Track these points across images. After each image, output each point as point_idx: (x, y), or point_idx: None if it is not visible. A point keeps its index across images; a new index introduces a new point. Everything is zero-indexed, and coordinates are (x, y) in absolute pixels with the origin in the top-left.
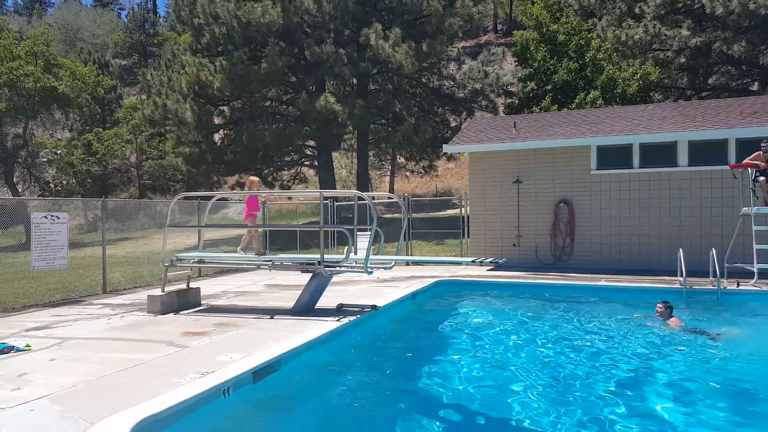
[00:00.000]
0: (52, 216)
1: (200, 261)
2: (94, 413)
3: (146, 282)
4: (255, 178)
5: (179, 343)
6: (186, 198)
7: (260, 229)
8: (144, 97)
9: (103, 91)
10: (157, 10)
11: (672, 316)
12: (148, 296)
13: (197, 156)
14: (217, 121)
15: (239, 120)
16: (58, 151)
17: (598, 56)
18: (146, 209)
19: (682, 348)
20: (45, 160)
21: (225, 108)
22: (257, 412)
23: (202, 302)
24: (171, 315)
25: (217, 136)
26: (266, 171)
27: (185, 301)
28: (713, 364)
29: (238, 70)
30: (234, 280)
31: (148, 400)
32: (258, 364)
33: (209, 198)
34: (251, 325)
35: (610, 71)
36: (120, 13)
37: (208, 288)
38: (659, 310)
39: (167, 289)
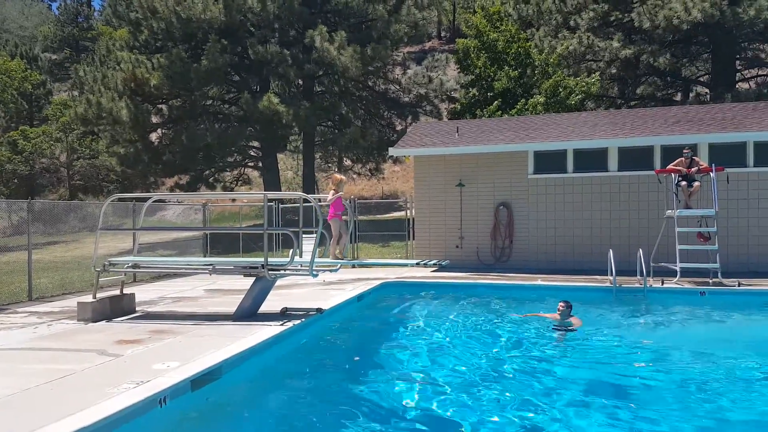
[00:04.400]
0: None
1: (135, 266)
2: (18, 429)
3: (77, 288)
4: (340, 176)
5: (112, 352)
6: (120, 199)
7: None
8: (76, 93)
9: (31, 87)
10: (92, 2)
11: (572, 315)
12: (78, 303)
13: (133, 156)
14: (154, 119)
15: (178, 119)
16: None
17: (549, 60)
18: (77, 211)
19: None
20: None
21: (163, 106)
22: (197, 422)
23: (137, 309)
24: (103, 323)
25: (154, 136)
26: (207, 172)
27: (119, 308)
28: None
29: (177, 68)
30: (172, 286)
31: (78, 412)
32: (197, 371)
33: (145, 200)
34: (190, 331)
35: (558, 77)
36: (51, 5)
37: (144, 294)
38: (561, 309)
39: (99, 295)
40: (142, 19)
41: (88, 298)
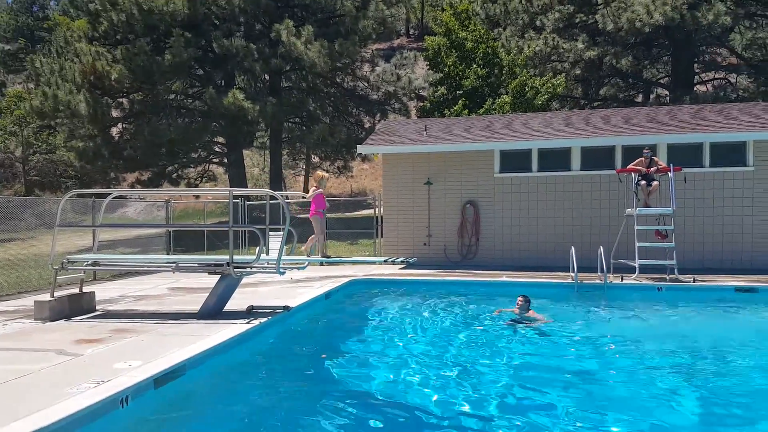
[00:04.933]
0: None
1: (95, 263)
2: None
3: (34, 287)
4: (323, 173)
5: (71, 351)
6: (79, 195)
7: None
8: (32, 85)
9: None
10: None
11: (530, 309)
12: (35, 302)
13: (92, 151)
14: (115, 114)
15: (140, 113)
16: None
17: (516, 60)
18: (33, 208)
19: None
20: None
21: (124, 100)
22: (160, 422)
23: (98, 307)
24: (62, 322)
25: (114, 130)
26: (170, 168)
27: (78, 307)
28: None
29: (140, 61)
30: (133, 284)
31: (35, 413)
32: (160, 370)
33: (105, 196)
34: (152, 330)
35: (524, 77)
36: None
37: (105, 292)
38: (520, 303)
39: (57, 294)
40: (101, 10)
41: (46, 297)
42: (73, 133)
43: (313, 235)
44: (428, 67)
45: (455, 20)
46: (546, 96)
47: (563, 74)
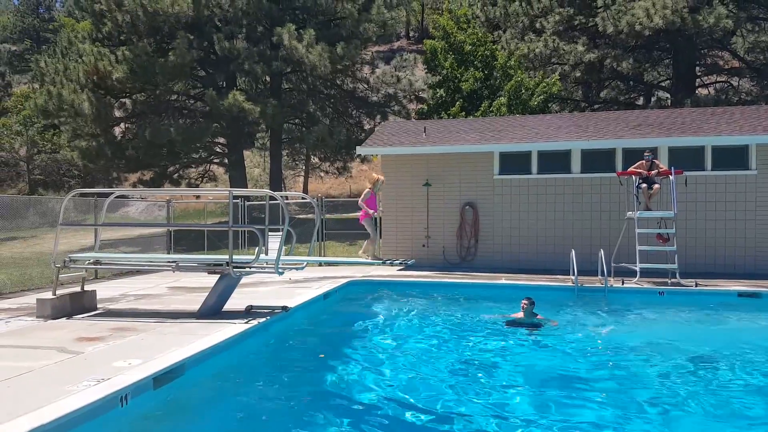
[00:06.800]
0: None
1: (96, 262)
2: None
3: (36, 285)
4: (377, 175)
5: (72, 349)
6: (82, 194)
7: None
8: (37, 85)
9: None
10: None
11: (535, 314)
12: (38, 300)
13: (95, 150)
14: (117, 114)
15: (142, 113)
16: None
17: (510, 62)
18: (37, 206)
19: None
20: None
21: (127, 100)
22: (159, 420)
23: (99, 306)
24: (63, 320)
25: (117, 130)
26: (172, 168)
27: (79, 305)
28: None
29: (142, 62)
30: (134, 283)
31: (36, 410)
32: (159, 369)
33: (107, 195)
34: (152, 329)
35: (519, 78)
36: None
37: (106, 291)
38: (524, 306)
39: (59, 292)
40: (106, 11)
41: (48, 295)
42: (76, 133)
43: (370, 239)
44: (426, 69)
45: (453, 23)
46: (542, 96)
47: (557, 73)
